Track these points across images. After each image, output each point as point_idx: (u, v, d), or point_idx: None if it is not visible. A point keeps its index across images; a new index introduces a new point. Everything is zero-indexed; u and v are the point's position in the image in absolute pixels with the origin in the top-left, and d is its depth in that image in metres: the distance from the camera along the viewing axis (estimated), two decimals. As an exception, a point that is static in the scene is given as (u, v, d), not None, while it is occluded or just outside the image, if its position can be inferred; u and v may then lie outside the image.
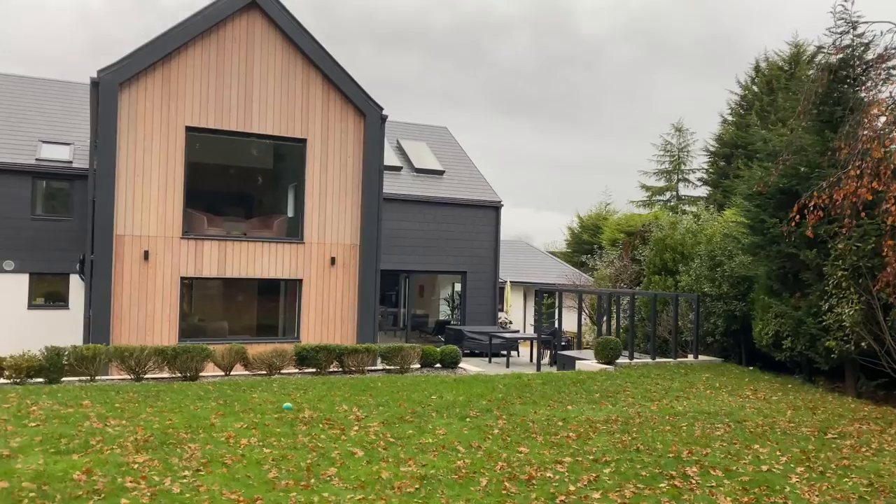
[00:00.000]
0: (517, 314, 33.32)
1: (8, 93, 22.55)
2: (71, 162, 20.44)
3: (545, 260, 38.09)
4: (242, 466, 6.93)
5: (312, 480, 6.55)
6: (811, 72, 36.57)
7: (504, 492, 6.41)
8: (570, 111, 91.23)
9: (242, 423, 8.81)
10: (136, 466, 6.79)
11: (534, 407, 10.43)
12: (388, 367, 14.17)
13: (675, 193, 47.08)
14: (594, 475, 6.95)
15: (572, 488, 6.55)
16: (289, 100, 15.66)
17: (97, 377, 12.00)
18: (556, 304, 20.01)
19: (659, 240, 20.28)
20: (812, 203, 10.99)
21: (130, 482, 6.30)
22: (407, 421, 9.26)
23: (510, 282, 29.25)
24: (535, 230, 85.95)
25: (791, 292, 14.18)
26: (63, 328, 20.23)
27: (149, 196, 14.48)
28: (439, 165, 25.60)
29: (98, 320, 13.88)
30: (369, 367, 13.88)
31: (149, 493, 6.02)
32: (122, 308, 14.21)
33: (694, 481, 6.89)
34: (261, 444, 7.80)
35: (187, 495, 6.04)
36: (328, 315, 16.02)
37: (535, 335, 21.50)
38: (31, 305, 20.05)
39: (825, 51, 14.87)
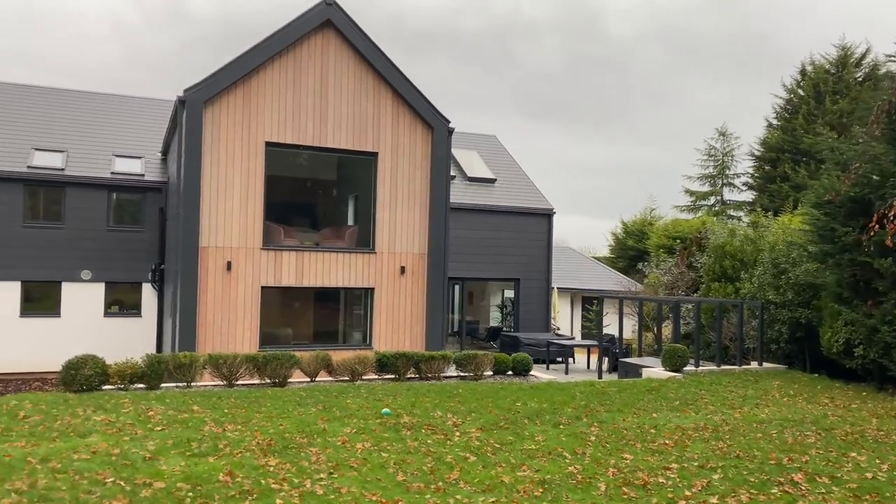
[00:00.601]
0: (563, 321, 33.51)
1: (83, 108, 23.52)
2: (143, 175, 21.27)
3: (591, 266, 38.16)
4: (369, 469, 7.36)
5: (440, 483, 6.94)
6: (869, 80, 36.26)
7: (624, 496, 6.74)
8: (599, 114, 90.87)
9: (349, 427, 9.26)
10: (271, 469, 7.25)
11: (620, 415, 10.72)
12: (461, 374, 14.55)
13: (720, 198, 46.83)
14: (705, 481, 7.24)
15: (688, 493, 6.85)
16: (361, 114, 16.18)
17: (192, 383, 12.57)
18: (618, 311, 20.18)
19: (718, 247, 20.38)
20: (893, 213, 11.12)
21: (274, 484, 6.76)
22: (503, 427, 9.62)
23: (557, 288, 29.49)
24: (568, 234, 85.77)
25: (863, 300, 14.24)
26: (136, 335, 21.05)
27: (231, 209, 15.09)
28: (491, 174, 25.97)
29: (185, 328, 14.50)
30: (444, 374, 14.27)
31: (297, 494, 6.48)
32: (207, 316, 14.83)
33: (803, 487, 7.14)
34: (376, 448, 8.22)
35: (331, 496, 6.48)
36: (398, 322, 16.48)
37: (595, 342, 21.75)
38: (107, 313, 20.88)
39: (893, 58, 14.96)
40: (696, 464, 7.89)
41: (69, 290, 20.37)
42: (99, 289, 20.73)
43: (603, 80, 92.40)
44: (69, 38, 75.88)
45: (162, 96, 25.93)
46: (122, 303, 21.23)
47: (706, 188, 47.14)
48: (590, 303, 32.02)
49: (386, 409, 10.19)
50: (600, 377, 18.74)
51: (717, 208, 46.41)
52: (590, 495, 6.75)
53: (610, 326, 29.58)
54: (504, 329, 27.10)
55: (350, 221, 21.17)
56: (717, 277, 20.16)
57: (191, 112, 14.62)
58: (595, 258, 43.90)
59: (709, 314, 19.05)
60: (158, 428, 8.96)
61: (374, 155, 16.43)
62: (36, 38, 72.85)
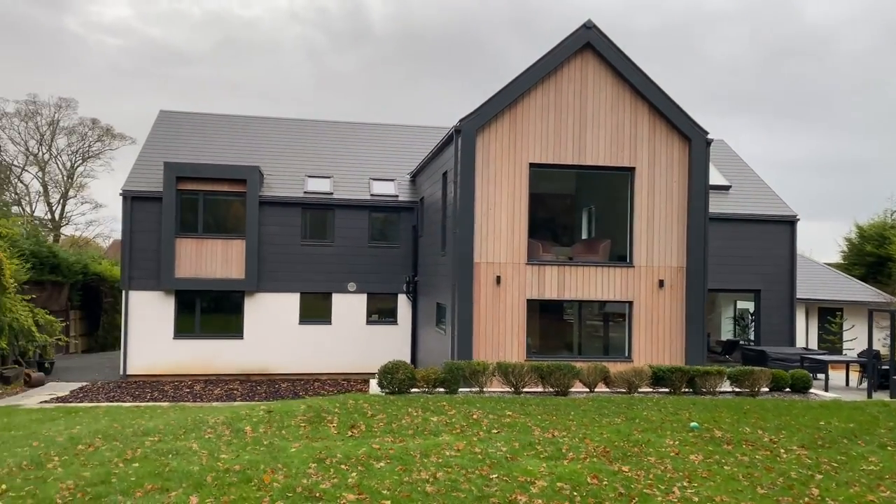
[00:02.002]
0: (798, 334, 31.45)
1: (338, 137, 26.24)
2: (397, 196, 23.28)
3: (824, 273, 35.45)
4: (722, 480, 7.71)
5: (806, 499, 7.12)
6: None
7: None
8: (796, 108, 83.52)
9: (668, 439, 9.66)
10: (627, 474, 7.84)
11: (947, 438, 10.13)
12: (736, 390, 14.41)
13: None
14: None
15: None
16: (618, 131, 16.61)
17: (484, 389, 13.66)
18: (890, 326, 18.72)
19: None
20: None
21: (646, 490, 7.33)
22: (824, 447, 9.52)
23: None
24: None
25: None
26: (393, 341, 23.06)
27: (499, 227, 16.17)
28: (724, 180, 25.19)
29: (462, 337, 15.76)
30: (719, 389, 14.21)
31: (675, 500, 6.98)
32: (480, 326, 16.00)
33: None
34: (712, 461, 8.54)
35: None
36: (657, 336, 16.65)
37: (863, 358, 20.39)
38: (368, 321, 23.08)
39: None
40: None
41: (338, 301, 22.79)
42: (362, 299, 22.98)
43: (799, 69, 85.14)
44: (265, 66, 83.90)
45: (364, 119, 28.25)
46: (380, 312, 23.35)
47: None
48: (831, 315, 29.77)
49: (694, 423, 10.46)
50: (870, 395, 17.59)
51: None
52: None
53: (856, 341, 27.42)
54: (741, 342, 26.12)
55: (584, 234, 21.64)
56: None
57: (465, 140, 15.90)
58: (827, 265, 40.66)
59: None
60: (494, 430, 9.95)
61: (632, 170, 16.77)
62: (236, 67, 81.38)
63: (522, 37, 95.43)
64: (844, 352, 27.29)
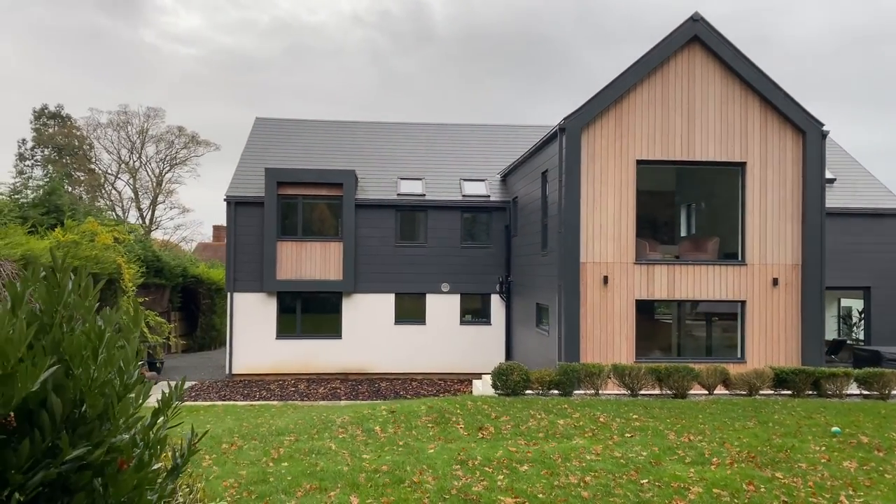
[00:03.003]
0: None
1: (427, 138, 26.44)
2: (488, 196, 23.27)
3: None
4: (888, 489, 7.33)
5: None
6: None
7: None
8: (878, 93, 78.74)
9: (813, 444, 9.28)
10: (781, 480, 7.56)
11: None
12: (864, 393, 13.74)
13: None
14: None
15: None
16: (727, 125, 16.10)
17: (599, 391, 13.48)
18: None
19: None
20: None
21: (811, 497, 7.05)
22: None
23: None
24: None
25: None
26: (487, 341, 23.06)
27: (606, 225, 15.93)
28: (828, 173, 24.08)
29: (569, 338, 15.60)
30: (845, 392, 13.58)
31: (847, 511, 6.70)
32: (587, 328, 15.79)
33: None
34: (872, 470, 8.15)
35: (883, 516, 6.60)
36: (772, 335, 16.06)
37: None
38: (462, 321, 23.16)
39: None
40: None
41: (432, 301, 22.96)
42: (455, 300, 23.07)
43: (880, 52, 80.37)
44: (331, 69, 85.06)
45: (439, 119, 28.17)
46: (474, 312, 23.39)
47: None
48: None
49: (836, 428, 10.03)
50: None
51: None
52: None
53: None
54: (847, 341, 24.94)
55: (684, 232, 21.07)
56: None
57: (570, 138, 15.72)
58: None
59: None
60: (627, 434, 9.79)
61: (742, 164, 16.22)
62: (303, 73, 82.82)
63: (587, 35, 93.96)
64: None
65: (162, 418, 2.35)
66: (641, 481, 7.52)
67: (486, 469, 7.98)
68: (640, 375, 13.18)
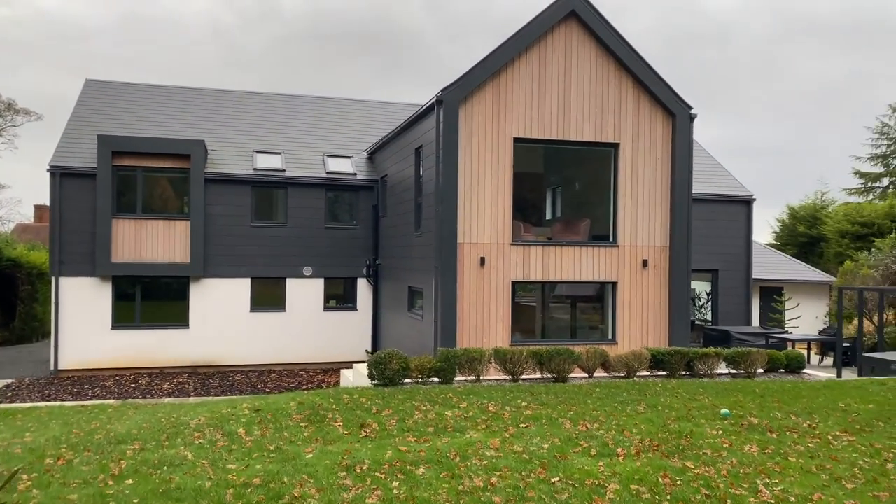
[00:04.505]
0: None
1: (286, 111, 24.56)
2: (355, 174, 21.94)
3: (762, 252, 36.36)
4: (800, 475, 7.08)
5: (901, 493, 6.58)
6: None
7: None
8: (701, 93, 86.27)
9: (709, 429, 9.02)
10: (692, 471, 7.11)
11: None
12: (732, 372, 14.06)
13: (894, 179, 43.47)
14: None
15: None
16: (602, 105, 15.91)
17: (480, 377, 12.74)
18: (857, 304, 18.96)
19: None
20: None
21: (734, 490, 6.61)
22: (864, 431, 9.10)
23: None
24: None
25: None
26: (353, 328, 21.83)
27: (483, 205, 15.22)
28: (681, 161, 25.08)
29: (446, 323, 14.76)
30: (716, 371, 13.81)
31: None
32: (463, 312, 15.04)
33: None
34: (775, 454, 7.93)
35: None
36: (641, 318, 16.16)
37: (826, 336, 20.68)
38: (326, 307, 21.72)
39: None
40: None
41: (292, 286, 21.33)
42: (319, 284, 21.59)
43: (703, 55, 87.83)
44: (169, 43, 79.72)
45: (332, 95, 26.74)
46: (339, 297, 22.04)
47: (879, 169, 43.89)
48: (771, 294, 30.33)
49: (725, 410, 9.89)
50: (839, 375, 17.72)
51: (891, 190, 43.13)
52: None
53: (800, 319, 28.14)
54: (695, 322, 26.25)
55: (549, 215, 20.95)
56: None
57: (447, 111, 14.82)
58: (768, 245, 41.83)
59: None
60: (522, 425, 9.05)
61: (615, 146, 16.13)
62: (139, 45, 77.06)
63: (437, 22, 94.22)
64: (790, 330, 27.92)
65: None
66: (552, 479, 6.76)
67: (378, 475, 6.88)
68: (521, 360, 12.61)
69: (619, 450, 7.87)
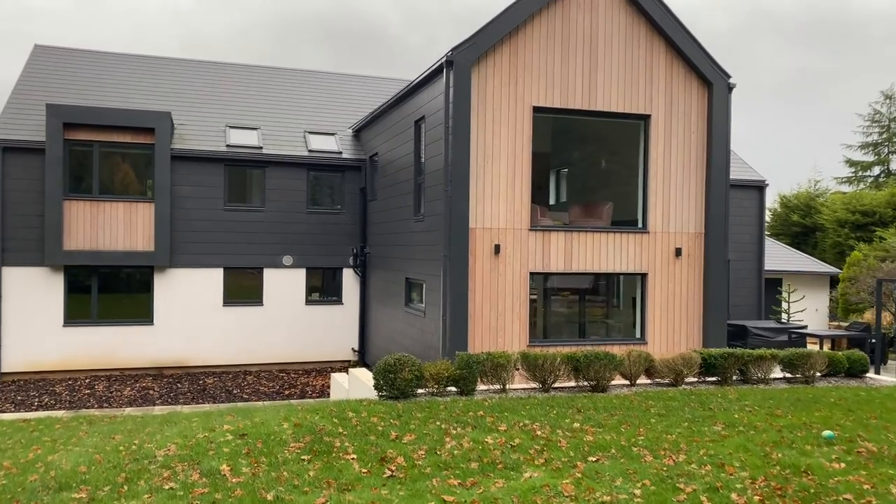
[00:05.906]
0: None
1: (261, 84, 22.18)
2: (340, 153, 19.73)
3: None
4: None
5: None
6: None
7: None
8: None
9: (821, 458, 7.13)
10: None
11: None
12: (787, 376, 12.26)
13: (885, 168, 42.48)
14: None
15: None
16: (632, 72, 13.95)
17: (507, 387, 10.71)
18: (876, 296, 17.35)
19: None
20: None
21: None
22: None
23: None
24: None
25: None
26: (338, 323, 19.67)
27: (497, 185, 13.17)
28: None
29: (456, 322, 12.69)
30: (770, 376, 11.99)
31: None
32: (476, 308, 13.01)
33: None
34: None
35: None
36: (673, 314, 14.31)
37: (853, 332, 19.13)
38: (308, 300, 19.50)
39: None
40: None
41: (271, 277, 19.08)
42: (300, 275, 19.37)
43: None
44: (128, 26, 76.18)
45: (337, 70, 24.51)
46: (322, 290, 19.83)
47: (870, 157, 42.84)
48: (772, 285, 28.83)
49: (828, 432, 7.99)
50: (878, 371, 16.14)
51: (882, 178, 42.15)
52: None
53: (804, 311, 26.72)
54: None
55: (552, 199, 18.99)
56: None
57: (459, 74, 12.71)
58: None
59: None
60: (591, 458, 7.04)
61: (646, 118, 14.19)
62: (96, 27, 73.44)
63: (400, 10, 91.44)
64: (795, 324, 26.51)
65: None
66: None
67: (427, 547, 4.82)
68: (554, 366, 10.61)
69: (734, 496, 5.93)
